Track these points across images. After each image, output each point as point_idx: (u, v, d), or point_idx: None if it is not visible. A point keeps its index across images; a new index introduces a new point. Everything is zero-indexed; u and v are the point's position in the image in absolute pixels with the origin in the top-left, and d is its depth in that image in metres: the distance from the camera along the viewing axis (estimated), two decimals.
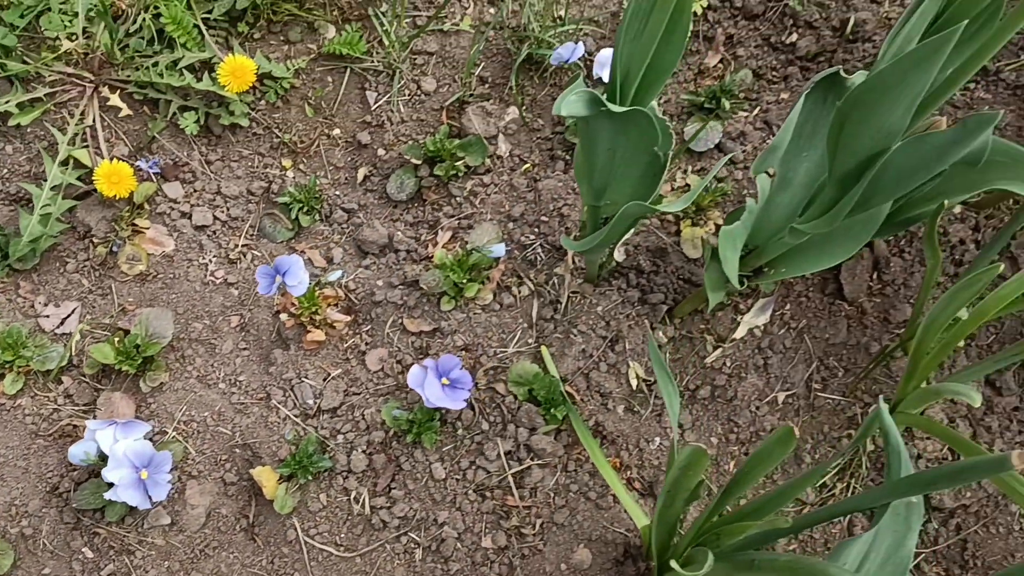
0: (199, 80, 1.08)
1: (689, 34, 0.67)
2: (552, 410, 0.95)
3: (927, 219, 0.86)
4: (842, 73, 0.73)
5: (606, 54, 1.07)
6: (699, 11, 1.17)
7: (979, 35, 0.70)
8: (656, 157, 0.78)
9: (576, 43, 1.07)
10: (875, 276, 1.05)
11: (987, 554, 0.95)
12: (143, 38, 1.09)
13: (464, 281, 1.00)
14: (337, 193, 1.12)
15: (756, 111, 1.15)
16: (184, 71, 1.08)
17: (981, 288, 0.74)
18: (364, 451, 0.96)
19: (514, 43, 1.14)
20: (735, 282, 0.85)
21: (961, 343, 1.03)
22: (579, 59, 1.08)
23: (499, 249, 1.00)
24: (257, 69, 1.07)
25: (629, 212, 0.77)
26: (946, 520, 0.96)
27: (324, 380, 1.00)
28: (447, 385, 0.91)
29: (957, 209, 1.08)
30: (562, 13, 1.15)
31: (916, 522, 0.59)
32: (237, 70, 1.05)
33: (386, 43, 1.11)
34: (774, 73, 1.17)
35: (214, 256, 1.08)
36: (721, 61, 1.18)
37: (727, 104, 1.12)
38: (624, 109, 0.67)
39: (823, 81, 0.74)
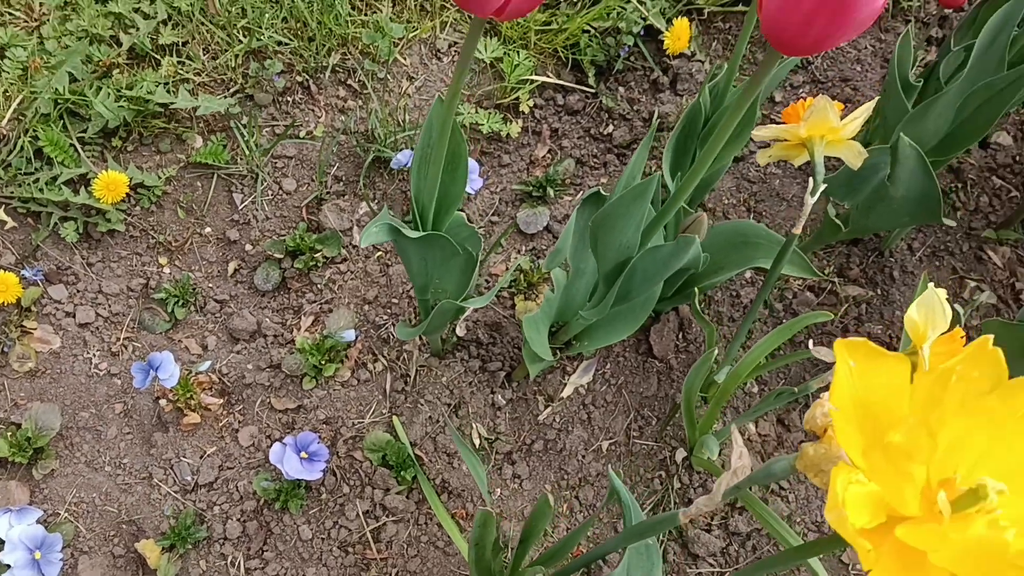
0: (76, 194, 1.20)
1: (467, 173, 0.83)
2: (403, 472, 1.09)
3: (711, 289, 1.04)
4: (601, 192, 0.90)
5: None
6: (527, 110, 1.35)
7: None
8: (468, 258, 0.94)
9: (398, 152, 1.23)
10: (680, 336, 1.23)
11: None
12: (24, 158, 1.21)
13: (323, 363, 1.14)
14: (210, 286, 1.25)
15: (579, 195, 1.32)
16: (63, 186, 1.21)
17: (706, 370, 0.91)
18: (238, 519, 1.09)
19: (362, 146, 1.29)
20: (546, 357, 1.02)
21: (755, 387, 1.22)
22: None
23: (349, 335, 1.14)
24: (130, 180, 1.20)
25: (443, 309, 0.92)
26: (744, 542, 1.14)
27: (201, 458, 1.13)
28: (305, 459, 1.05)
29: (748, 274, 1.27)
30: (407, 117, 1.31)
31: (657, 557, 0.76)
32: (110, 184, 1.17)
33: (246, 152, 1.25)
34: (595, 160, 1.35)
35: (97, 350, 1.20)
36: (549, 151, 1.36)
37: (552, 192, 1.29)
38: (421, 235, 0.83)
39: (589, 197, 0.91)
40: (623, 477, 1.17)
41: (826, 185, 0.86)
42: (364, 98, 1.30)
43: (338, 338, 1.14)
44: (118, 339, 1.21)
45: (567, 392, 1.19)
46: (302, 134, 1.29)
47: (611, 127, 1.36)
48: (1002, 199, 1.34)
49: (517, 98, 1.33)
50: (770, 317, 1.24)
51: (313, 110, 1.31)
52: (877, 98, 0.86)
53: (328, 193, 1.29)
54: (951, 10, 1.28)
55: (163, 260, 1.26)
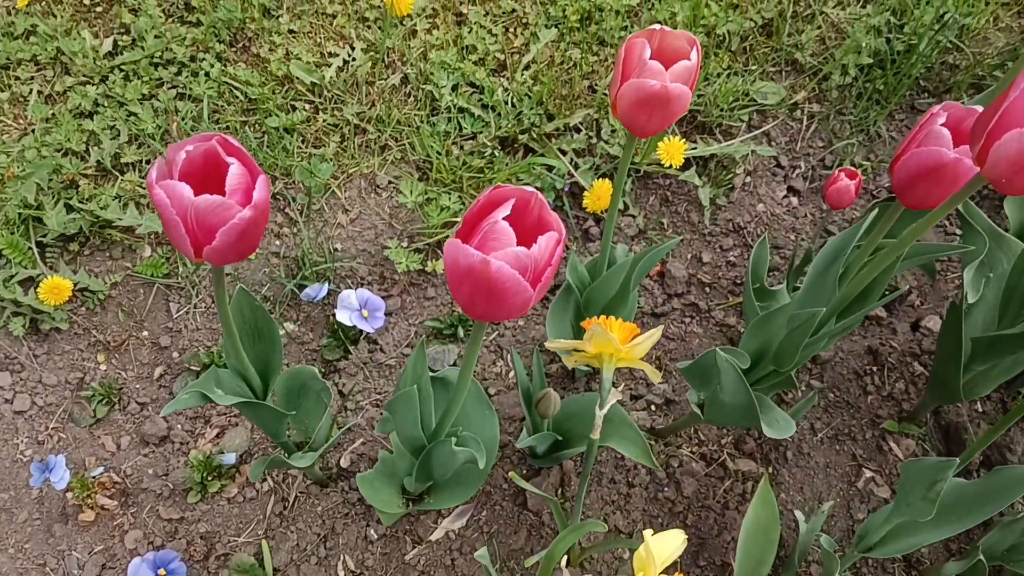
0: (26, 294, 1.33)
1: (278, 343, 0.90)
2: None
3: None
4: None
5: (346, 295, 1.30)
6: None
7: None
8: (319, 401, 1.00)
9: (323, 284, 1.31)
10: (560, 492, 1.25)
11: None
12: None
13: (207, 479, 1.22)
14: (137, 387, 1.36)
15: (493, 335, 1.37)
16: (17, 285, 1.33)
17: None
18: None
19: (291, 272, 1.38)
20: (389, 510, 1.07)
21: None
22: (323, 298, 1.32)
23: (230, 458, 1.22)
24: (75, 285, 1.32)
25: (261, 461, 0.99)
26: None
27: (89, 554, 1.22)
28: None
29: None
30: (338, 246, 1.39)
31: None
32: (54, 288, 1.30)
33: (180, 269, 1.36)
34: None
35: (26, 436, 1.31)
36: None
37: (462, 331, 1.34)
38: (236, 400, 0.90)
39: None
40: None
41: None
42: (299, 226, 1.39)
43: (220, 460, 1.21)
44: (47, 428, 1.32)
45: (437, 535, 1.22)
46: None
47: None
48: (919, 387, 1.32)
49: (446, 237, 1.39)
50: (651, 484, 1.25)
51: None
52: (660, 327, 0.88)
53: None
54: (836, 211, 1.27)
55: (101, 358, 1.37)
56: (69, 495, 1.25)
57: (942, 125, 0.72)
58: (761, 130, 1.48)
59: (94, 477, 1.24)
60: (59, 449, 1.30)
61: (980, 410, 1.29)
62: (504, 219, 0.59)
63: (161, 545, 1.20)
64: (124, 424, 1.33)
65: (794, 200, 1.45)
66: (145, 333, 1.38)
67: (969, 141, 0.63)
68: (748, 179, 1.45)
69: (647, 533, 0.76)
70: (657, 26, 0.83)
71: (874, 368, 1.33)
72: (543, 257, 0.59)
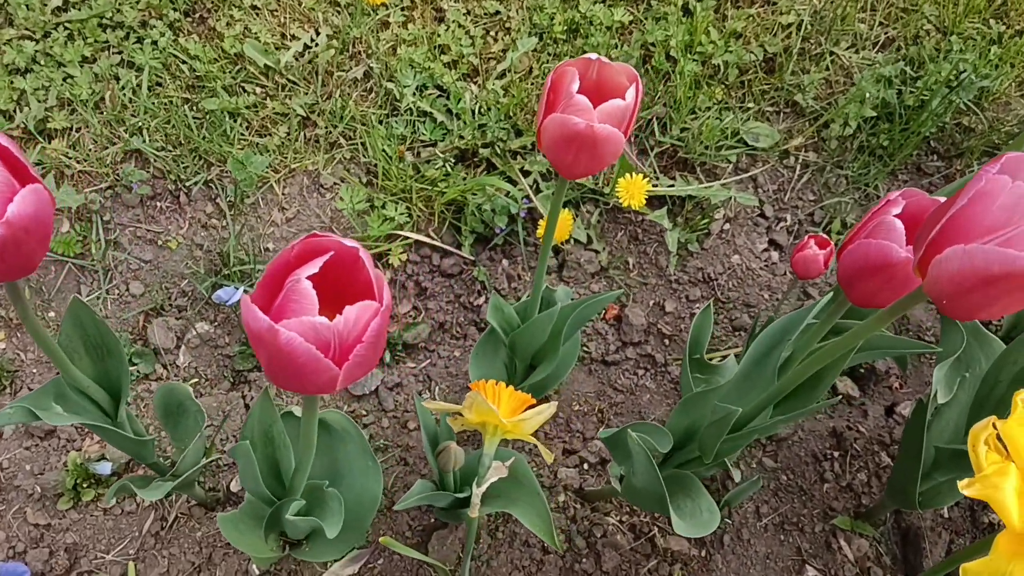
0: None
1: (123, 363, 0.78)
2: None
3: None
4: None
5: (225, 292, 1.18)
6: (398, 263, 1.29)
7: None
8: (196, 423, 0.90)
9: (238, 287, 1.19)
10: (463, 548, 1.13)
11: None
12: None
13: (83, 486, 1.11)
14: (34, 371, 1.25)
15: (425, 363, 1.25)
16: None
17: None
18: None
19: (212, 268, 1.26)
20: (259, 554, 0.95)
21: None
22: (237, 303, 1.20)
23: (105, 468, 1.10)
24: None
25: (122, 485, 0.87)
26: None
27: None
28: None
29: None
30: (270, 246, 1.28)
31: None
32: None
33: (94, 250, 1.25)
34: (458, 328, 1.28)
35: None
36: (413, 309, 1.29)
37: (388, 356, 1.22)
38: (67, 418, 0.79)
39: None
40: None
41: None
42: (229, 219, 1.28)
43: (95, 469, 1.10)
44: None
45: None
46: (160, 241, 1.28)
47: (483, 299, 1.28)
48: (882, 481, 1.18)
49: (388, 250, 1.27)
50: (569, 552, 1.13)
51: (177, 220, 1.29)
52: (554, 404, 0.76)
53: (170, 306, 1.26)
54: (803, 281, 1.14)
55: (1, 335, 1.26)
56: None
57: (897, 216, 0.59)
58: (748, 174, 1.34)
59: None
60: None
61: (946, 516, 1.15)
62: (312, 278, 0.47)
63: (24, 551, 1.09)
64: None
65: (774, 255, 1.32)
66: (52, 314, 1.27)
67: (913, 245, 0.50)
68: (727, 226, 1.32)
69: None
70: (594, 56, 0.71)
71: (836, 453, 1.20)
72: (352, 331, 0.47)
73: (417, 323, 1.27)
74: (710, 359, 1.08)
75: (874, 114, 1.32)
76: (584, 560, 1.12)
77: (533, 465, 1.18)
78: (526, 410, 0.75)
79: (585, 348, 1.27)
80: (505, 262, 1.31)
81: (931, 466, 0.97)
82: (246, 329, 0.48)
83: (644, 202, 1.15)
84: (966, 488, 0.53)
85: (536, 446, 0.79)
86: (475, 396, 0.72)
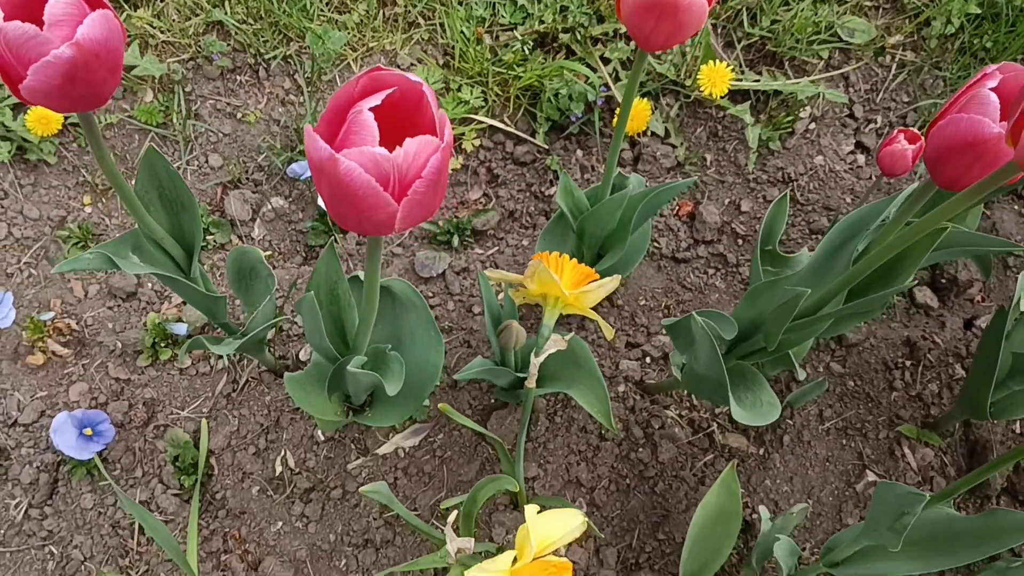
0: (15, 119, 1.26)
1: (196, 218, 0.80)
2: (183, 478, 1.10)
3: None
4: (359, 277, 0.84)
5: None
6: (471, 149, 1.28)
7: None
8: (266, 287, 0.92)
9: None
10: (527, 432, 1.15)
11: None
12: None
13: (161, 345, 1.15)
14: (116, 235, 1.29)
15: (492, 250, 1.25)
16: (8, 109, 1.27)
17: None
18: (36, 467, 1.13)
19: (288, 144, 1.27)
20: (324, 417, 0.98)
21: None
22: (310, 178, 1.21)
23: (180, 328, 1.14)
24: (67, 119, 1.25)
25: (195, 342, 0.90)
26: None
27: (31, 398, 1.17)
28: (89, 435, 1.07)
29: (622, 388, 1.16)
30: None
31: None
32: (42, 118, 1.22)
33: (175, 121, 1.27)
34: (527, 218, 1.27)
35: None
36: (483, 196, 1.29)
37: (457, 240, 1.23)
38: (147, 270, 0.81)
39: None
40: (402, 552, 1.12)
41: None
42: (306, 95, 1.28)
43: (172, 328, 1.14)
44: (19, 261, 1.27)
45: (385, 449, 1.14)
46: (239, 115, 1.29)
47: (554, 189, 1.27)
48: (954, 394, 1.15)
49: (462, 134, 1.26)
50: (626, 440, 1.13)
51: (256, 94, 1.30)
52: (618, 275, 0.75)
53: (247, 180, 1.28)
54: (888, 179, 1.08)
55: (87, 200, 1.31)
56: (24, 335, 1.20)
57: (993, 89, 0.55)
58: (840, 71, 1.28)
59: (45, 320, 1.18)
60: (28, 285, 1.25)
61: (1017, 431, 1.12)
62: (374, 110, 0.47)
63: (105, 402, 1.15)
64: (96, 272, 1.27)
65: (860, 158, 1.27)
66: (134, 181, 1.30)
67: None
68: (812, 126, 1.27)
69: (531, 509, 0.65)
70: None
71: (908, 363, 1.17)
72: (411, 165, 0.47)
73: (487, 210, 1.26)
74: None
75: (979, 12, 1.24)
76: (640, 449, 1.13)
77: (595, 355, 1.18)
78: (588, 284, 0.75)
79: (656, 243, 1.25)
80: (579, 152, 1.28)
81: (1006, 374, 0.94)
82: (308, 161, 0.48)
83: (726, 91, 1.11)
84: None
85: (597, 322, 0.79)
86: (537, 265, 0.71)
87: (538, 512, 0.67)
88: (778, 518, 0.93)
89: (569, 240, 1.09)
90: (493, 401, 1.16)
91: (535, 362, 0.76)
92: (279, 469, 1.13)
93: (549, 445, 1.13)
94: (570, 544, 1.10)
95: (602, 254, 1.08)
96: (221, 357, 1.18)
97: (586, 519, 0.68)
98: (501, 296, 1.04)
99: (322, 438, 1.14)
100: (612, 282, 0.74)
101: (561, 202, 0.97)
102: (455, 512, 0.74)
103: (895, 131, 0.93)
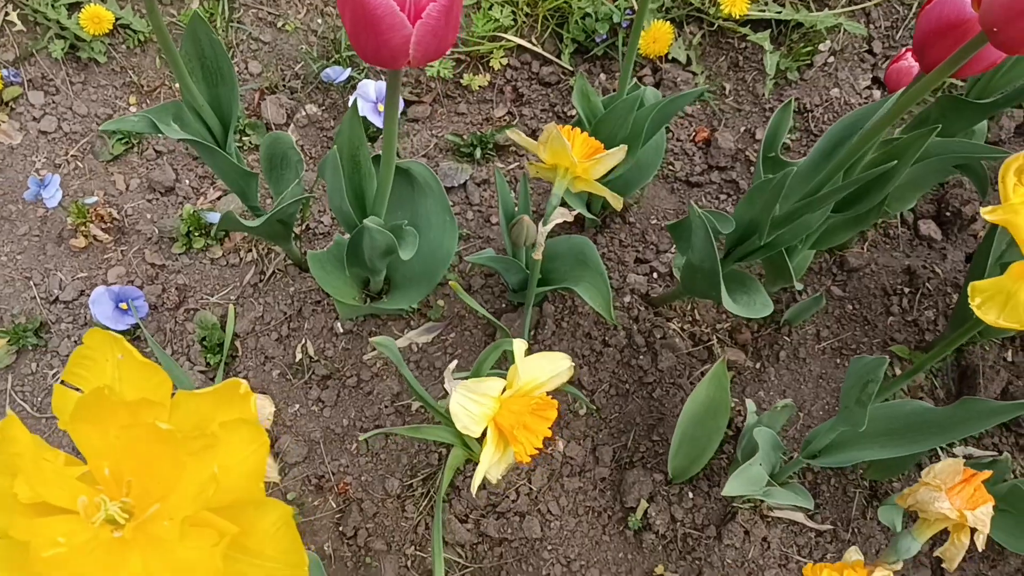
0: (69, 17, 1.33)
1: (234, 83, 0.86)
2: (210, 357, 1.17)
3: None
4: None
5: (365, 84, 1.24)
6: (498, 67, 1.33)
7: None
8: (296, 173, 0.98)
9: (345, 68, 1.26)
10: (533, 335, 1.21)
11: None
12: None
13: (194, 234, 1.22)
14: (160, 135, 1.36)
15: (513, 165, 1.30)
16: (64, 7, 1.34)
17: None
18: (74, 341, 1.21)
19: (325, 53, 1.33)
20: (343, 299, 1.04)
21: None
22: (343, 81, 1.27)
23: (214, 216, 1.21)
24: (118, 20, 1.31)
25: (227, 217, 0.97)
26: None
27: (72, 277, 1.25)
28: (124, 310, 1.14)
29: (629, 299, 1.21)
30: None
31: None
32: (95, 17, 1.29)
33: (219, 25, 1.33)
34: None
35: (45, 157, 1.34)
36: (508, 114, 1.34)
37: (479, 153, 1.28)
38: (185, 137, 0.87)
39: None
40: (411, 438, 1.18)
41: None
42: None
43: (203, 216, 1.21)
44: (67, 154, 1.35)
45: (400, 344, 1.19)
46: (280, 23, 1.35)
47: (576, 110, 1.32)
48: (949, 321, 1.19)
49: (490, 52, 1.31)
50: (628, 348, 1.19)
51: (296, 4, 1.36)
52: (624, 146, 0.80)
53: (283, 86, 1.34)
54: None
55: (132, 99, 1.38)
56: (69, 220, 1.28)
57: None
58: (861, 6, 1.32)
59: (88, 205, 1.26)
60: (74, 176, 1.32)
61: (1009, 359, 1.16)
62: None
63: (141, 285, 1.22)
64: (138, 167, 1.34)
65: (876, 93, 1.30)
66: (178, 85, 1.37)
67: None
68: (831, 59, 1.31)
69: (519, 344, 0.71)
70: None
71: (907, 290, 1.21)
72: None
73: (510, 126, 1.31)
74: None
75: None
76: (641, 357, 1.18)
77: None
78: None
79: (671, 166, 1.30)
80: (603, 75, 1.33)
81: None
82: None
83: (746, 10, 1.15)
84: (989, 214, 0.55)
85: (607, 197, 0.84)
86: (552, 129, 0.76)
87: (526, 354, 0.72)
88: (764, 415, 0.98)
89: None
90: (504, 305, 1.21)
91: (543, 231, 0.82)
92: (299, 356, 1.20)
93: (554, 348, 1.19)
94: (569, 441, 1.16)
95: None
96: (251, 250, 1.25)
97: (573, 364, 0.73)
98: (516, 199, 1.09)
99: (341, 329, 1.21)
100: (619, 152, 0.78)
101: (577, 104, 1.02)
102: (455, 362, 0.79)
103: (903, 50, 0.97)
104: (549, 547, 1.10)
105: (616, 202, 0.83)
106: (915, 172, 0.95)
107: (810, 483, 1.12)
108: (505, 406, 0.70)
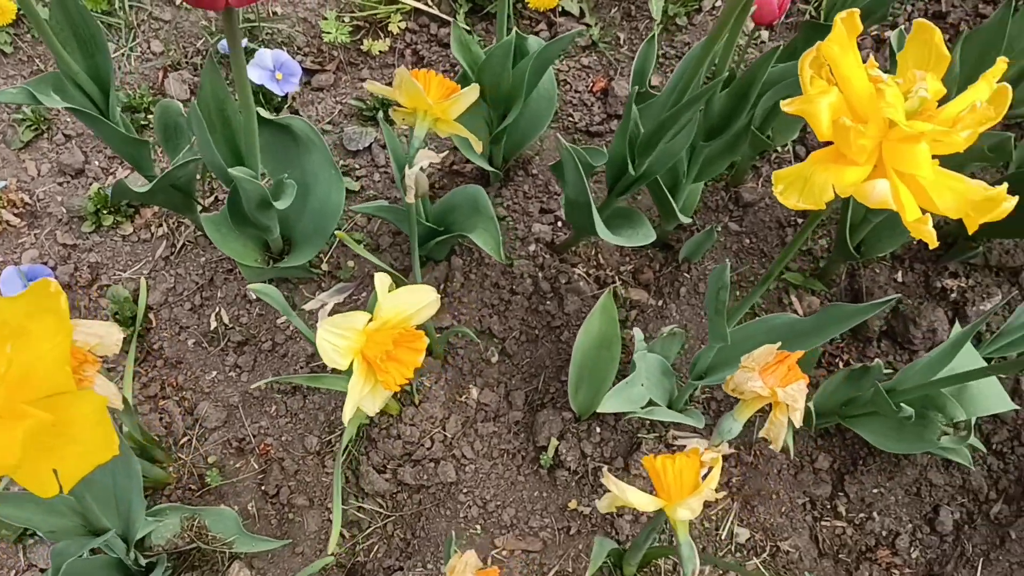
0: None
1: (106, 53, 0.88)
2: (123, 329, 1.19)
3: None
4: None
5: (262, 54, 1.26)
6: (397, 31, 1.35)
7: None
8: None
9: (242, 39, 1.27)
10: (443, 287, 1.23)
11: None
12: None
13: (102, 212, 1.24)
14: (67, 120, 1.37)
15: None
16: None
17: None
18: None
19: (221, 28, 1.35)
20: (248, 263, 1.07)
21: None
22: None
23: None
24: (19, 10, 1.33)
25: (119, 188, 0.99)
26: None
27: None
28: None
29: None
30: (278, 10, 1.35)
31: None
32: None
33: (117, 6, 1.34)
34: None
35: None
36: None
37: (382, 116, 1.30)
38: (62, 104, 0.89)
39: None
40: (327, 398, 1.20)
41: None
42: None
43: (105, 191, 1.23)
44: None
45: (311, 306, 1.21)
46: (177, 1, 1.37)
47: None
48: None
49: (388, 16, 1.33)
50: (535, 295, 1.22)
51: None
52: (477, 85, 0.82)
53: (186, 63, 1.36)
54: (764, 27, 1.15)
55: None
56: None
57: None
58: None
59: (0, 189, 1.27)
60: None
61: (900, 281, 1.20)
62: None
63: (54, 266, 1.24)
64: (48, 152, 1.35)
65: (764, 34, 1.34)
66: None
67: None
68: (719, 3, 1.34)
69: (380, 278, 0.74)
70: None
71: (800, 221, 1.25)
72: None
73: None
74: None
75: None
76: (548, 302, 1.21)
77: (509, 219, 1.26)
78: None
79: (570, 117, 1.33)
80: None
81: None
82: None
83: None
84: (787, 106, 0.58)
85: (468, 138, 0.87)
86: (403, 74, 0.79)
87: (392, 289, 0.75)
88: (653, 342, 1.01)
89: (482, 110, 1.15)
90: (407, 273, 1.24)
91: (409, 174, 0.84)
92: (214, 324, 1.22)
93: (464, 299, 1.22)
94: (483, 388, 1.19)
95: (506, 114, 1.15)
96: (162, 224, 1.27)
97: (437, 297, 0.76)
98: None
99: (254, 296, 1.23)
100: (472, 91, 0.81)
101: (457, 55, 1.05)
102: (330, 305, 0.82)
103: None
104: (465, 490, 1.13)
105: (477, 144, 0.86)
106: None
107: (714, 410, 1.16)
108: (371, 338, 0.73)
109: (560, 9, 1.32)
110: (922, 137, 0.53)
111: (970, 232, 0.53)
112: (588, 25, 1.33)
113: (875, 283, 1.18)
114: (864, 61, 0.56)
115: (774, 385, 0.59)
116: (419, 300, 0.75)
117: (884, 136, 0.55)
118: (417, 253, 0.94)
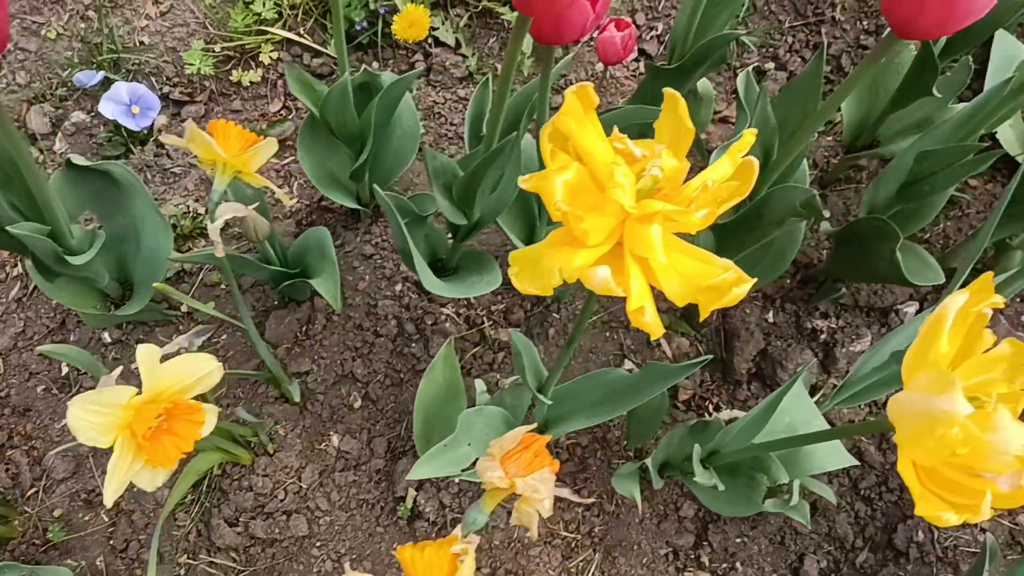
0: None
1: None
2: None
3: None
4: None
5: (117, 87, 1.22)
6: (268, 62, 1.31)
7: None
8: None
9: (98, 71, 1.23)
10: (306, 330, 1.19)
11: None
12: None
13: None
14: None
15: (288, 160, 1.29)
16: None
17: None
18: None
19: (85, 59, 1.30)
20: (91, 311, 1.02)
21: None
22: (97, 85, 1.24)
23: None
24: None
25: None
26: None
27: None
28: None
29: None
30: (145, 40, 1.31)
31: None
32: None
33: None
34: None
35: None
36: (283, 108, 1.32)
37: None
38: None
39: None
40: None
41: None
42: (106, 11, 1.31)
43: None
44: None
45: (168, 349, 1.17)
46: (43, 32, 1.32)
47: None
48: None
49: (259, 47, 1.29)
50: (399, 337, 1.18)
51: (59, 11, 1.33)
52: (274, 138, 0.79)
53: (51, 95, 1.31)
54: (610, 66, 1.12)
55: None
56: None
57: None
58: None
59: None
60: None
61: (771, 321, 1.17)
62: None
63: None
64: None
65: (641, 64, 1.31)
66: None
67: None
68: (595, 32, 1.31)
69: (143, 349, 0.69)
70: None
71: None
72: None
73: (284, 120, 1.30)
74: None
75: None
76: (413, 344, 1.17)
77: (378, 257, 1.22)
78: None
79: (446, 151, 1.29)
80: (375, 64, 1.32)
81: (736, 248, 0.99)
82: None
83: None
84: (524, 182, 0.54)
85: (274, 191, 0.83)
86: (191, 128, 0.75)
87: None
88: (499, 393, 0.97)
89: (334, 145, 1.11)
90: (275, 302, 1.20)
91: (213, 228, 0.80)
92: (65, 370, 1.17)
93: (325, 342, 1.18)
94: (344, 435, 1.15)
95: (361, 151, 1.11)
96: (16, 264, 1.22)
97: (220, 364, 0.72)
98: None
99: (109, 339, 1.19)
100: (270, 144, 0.78)
101: (300, 95, 1.01)
102: (116, 372, 0.78)
103: (608, 20, 0.97)
104: (319, 543, 1.09)
105: (286, 200, 0.82)
106: None
107: (579, 457, 1.12)
108: (139, 413, 0.69)
109: (435, 40, 1.28)
110: (654, 218, 0.50)
111: (702, 318, 0.50)
112: (464, 56, 1.29)
113: (744, 324, 1.15)
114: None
115: (515, 475, 0.55)
116: (198, 370, 0.71)
117: (624, 215, 0.51)
118: (243, 305, 0.90)
